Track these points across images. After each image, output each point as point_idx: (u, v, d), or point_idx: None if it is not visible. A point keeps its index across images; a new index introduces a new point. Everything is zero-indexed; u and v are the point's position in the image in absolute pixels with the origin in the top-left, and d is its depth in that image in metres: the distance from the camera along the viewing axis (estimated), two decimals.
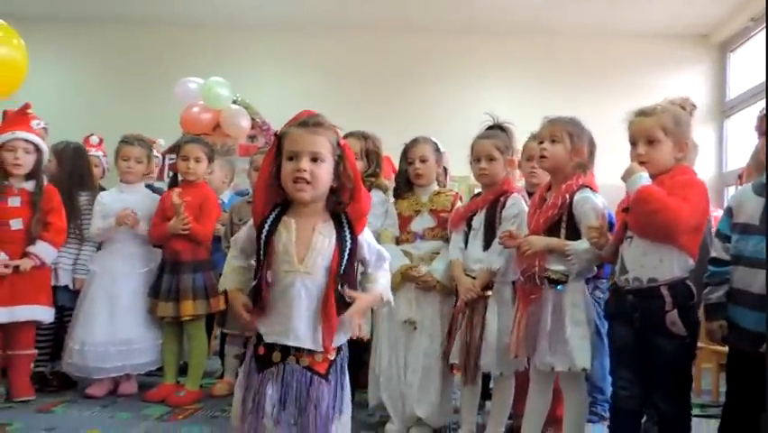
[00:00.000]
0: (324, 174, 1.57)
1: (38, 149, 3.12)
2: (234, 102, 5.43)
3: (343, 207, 1.61)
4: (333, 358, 1.60)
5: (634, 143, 2.07)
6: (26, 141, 3.06)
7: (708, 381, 3.81)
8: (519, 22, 6.31)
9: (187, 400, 3.07)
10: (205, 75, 5.37)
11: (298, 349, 1.56)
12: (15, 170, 3.04)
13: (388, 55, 6.53)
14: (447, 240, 2.69)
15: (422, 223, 2.73)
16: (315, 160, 1.56)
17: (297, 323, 1.55)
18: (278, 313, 1.57)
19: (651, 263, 1.97)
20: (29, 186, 3.08)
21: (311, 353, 1.57)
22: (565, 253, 2.19)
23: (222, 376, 3.46)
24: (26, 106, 3.16)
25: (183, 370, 3.32)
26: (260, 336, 1.62)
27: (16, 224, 3.00)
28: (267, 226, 1.59)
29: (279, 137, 1.61)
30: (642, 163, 2.02)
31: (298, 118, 1.61)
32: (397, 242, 2.76)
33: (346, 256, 1.57)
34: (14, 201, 3.03)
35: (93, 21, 6.55)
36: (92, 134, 3.87)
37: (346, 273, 1.58)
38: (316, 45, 6.55)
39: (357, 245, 1.61)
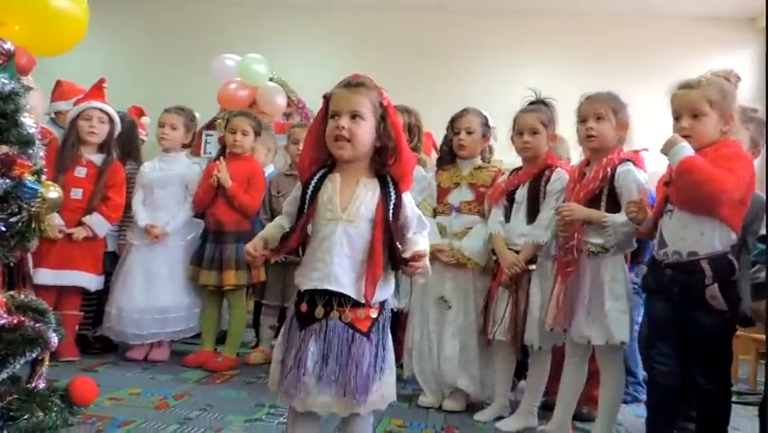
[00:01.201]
0: (364, 132, 1.59)
1: (111, 120, 3.23)
2: (271, 79, 5.45)
3: (388, 167, 1.63)
4: (375, 317, 1.59)
5: (677, 117, 2.02)
6: (101, 110, 3.18)
7: (746, 370, 3.75)
8: (558, 1, 6.20)
9: (225, 366, 3.14)
10: (243, 52, 5.41)
11: (341, 303, 1.56)
12: (90, 137, 3.15)
13: (423, 34, 6.49)
14: (483, 215, 2.68)
15: (460, 196, 2.72)
16: (354, 117, 1.59)
17: (336, 268, 1.55)
18: (318, 260, 1.58)
19: (691, 237, 1.93)
20: (97, 159, 3.19)
21: (354, 307, 1.57)
22: (603, 224, 2.18)
23: (256, 346, 3.54)
24: (101, 81, 3.30)
25: (218, 339, 3.38)
26: (301, 294, 1.62)
27: (76, 193, 3.11)
28: (313, 182, 1.62)
29: (327, 99, 1.64)
30: (686, 137, 1.98)
31: (344, 80, 1.65)
32: (434, 213, 2.76)
33: (391, 209, 1.58)
34: (80, 172, 3.14)
35: None
36: (144, 115, 3.99)
37: (391, 230, 1.58)
38: (353, 24, 6.54)
39: (401, 201, 1.62)
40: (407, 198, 1.66)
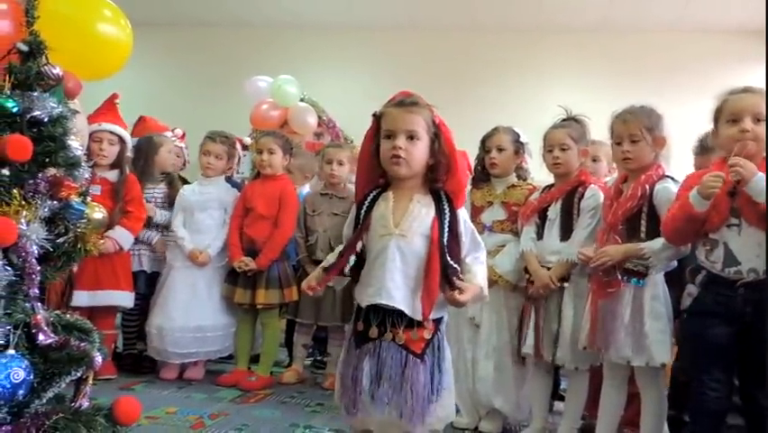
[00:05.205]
0: (420, 152, 1.61)
1: (122, 140, 3.27)
2: (302, 100, 5.53)
3: (441, 183, 1.64)
4: (429, 338, 1.59)
5: (735, 120, 1.89)
6: (111, 132, 3.21)
7: None
8: (587, 20, 6.18)
9: (259, 385, 3.14)
10: (274, 74, 5.50)
11: (394, 324, 1.56)
12: (100, 160, 3.19)
13: (454, 54, 6.51)
14: (516, 234, 2.65)
15: (492, 215, 2.69)
16: (411, 138, 1.60)
17: (389, 283, 1.56)
18: (372, 276, 1.60)
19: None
20: (111, 176, 3.22)
21: (408, 328, 1.56)
22: (643, 256, 2.13)
23: (289, 365, 3.53)
24: (114, 96, 3.28)
25: (253, 359, 3.38)
26: (358, 311, 1.64)
27: None
28: (367, 201, 1.64)
29: (378, 118, 1.65)
30: None
31: (396, 98, 1.65)
32: None
33: (447, 227, 1.58)
34: (95, 190, 3.13)
35: (168, 24, 6.81)
36: (175, 128, 4.07)
37: (449, 247, 1.58)
38: (382, 45, 6.61)
39: (456, 218, 1.61)
40: (462, 213, 1.66)
